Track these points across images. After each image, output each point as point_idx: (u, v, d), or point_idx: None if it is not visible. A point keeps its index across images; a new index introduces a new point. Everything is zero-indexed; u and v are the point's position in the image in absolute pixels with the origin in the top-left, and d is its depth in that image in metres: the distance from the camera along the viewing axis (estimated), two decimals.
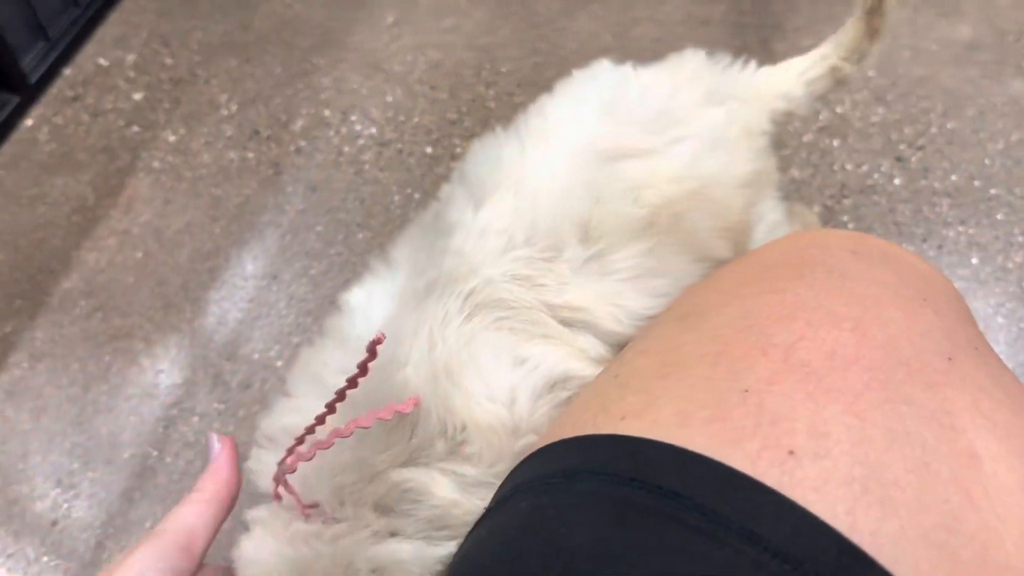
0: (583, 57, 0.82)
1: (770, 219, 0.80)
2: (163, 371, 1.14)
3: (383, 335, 0.63)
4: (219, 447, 0.62)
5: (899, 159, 1.24)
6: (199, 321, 1.18)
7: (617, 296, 0.69)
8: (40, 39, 1.45)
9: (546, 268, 0.66)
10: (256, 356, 1.13)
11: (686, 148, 0.71)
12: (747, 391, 0.54)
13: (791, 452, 0.51)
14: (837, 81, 0.88)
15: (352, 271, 1.19)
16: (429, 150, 1.33)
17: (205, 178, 1.33)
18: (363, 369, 0.61)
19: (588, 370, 0.68)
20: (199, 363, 1.13)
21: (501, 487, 0.62)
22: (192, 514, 0.57)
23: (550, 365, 0.65)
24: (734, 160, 0.75)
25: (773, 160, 0.81)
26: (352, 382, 0.62)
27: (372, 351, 0.63)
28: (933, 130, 1.27)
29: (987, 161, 1.23)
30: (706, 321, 0.63)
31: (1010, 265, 1.12)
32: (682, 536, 0.48)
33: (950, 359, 0.58)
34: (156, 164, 1.36)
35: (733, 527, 0.48)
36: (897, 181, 1.22)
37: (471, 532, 0.60)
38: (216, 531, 0.59)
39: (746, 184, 0.75)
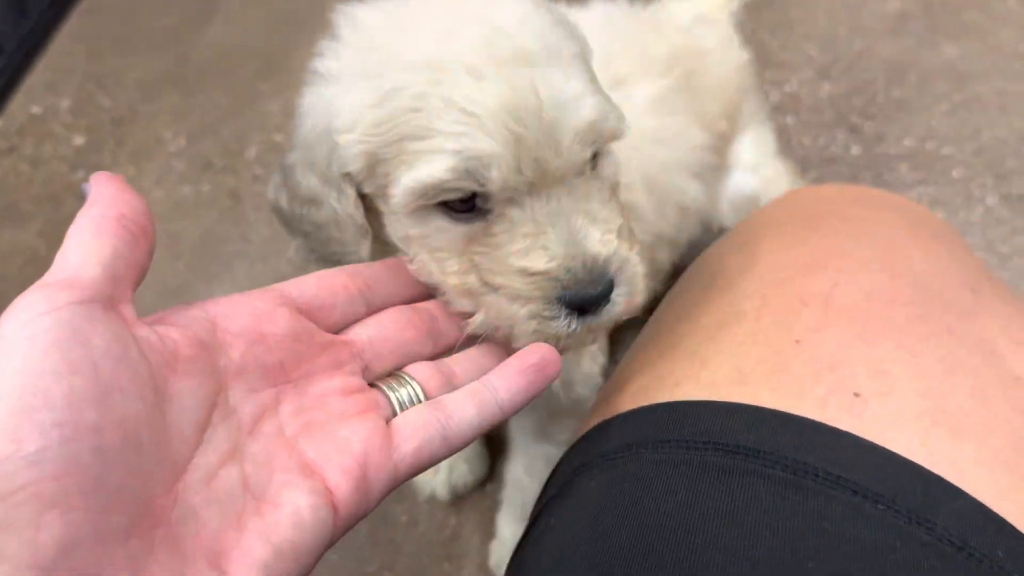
0: None
1: (756, 133, 0.89)
2: None
3: None
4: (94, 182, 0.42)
5: (852, 129, 1.28)
6: None
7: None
8: None
9: None
10: None
11: (686, 14, 0.91)
12: (799, 341, 0.54)
13: (856, 394, 0.51)
14: None
15: None
16: None
17: (161, 216, 1.28)
18: None
19: None
20: None
21: (556, 474, 0.60)
22: (72, 246, 0.38)
23: None
24: (726, 43, 0.95)
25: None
26: None
27: None
28: (880, 99, 1.31)
29: (935, 123, 1.27)
30: (736, 281, 0.63)
31: (973, 219, 1.16)
32: (770, 491, 0.47)
33: (974, 291, 0.59)
34: None
35: (820, 475, 0.47)
36: (854, 150, 1.25)
37: (534, 523, 0.58)
38: (130, 262, 0.39)
39: (740, 68, 0.94)
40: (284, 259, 1.21)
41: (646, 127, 0.79)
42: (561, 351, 0.50)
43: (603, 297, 0.50)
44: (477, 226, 0.50)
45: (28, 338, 0.34)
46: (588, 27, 0.63)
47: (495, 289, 0.50)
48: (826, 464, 0.48)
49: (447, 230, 0.51)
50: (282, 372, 0.44)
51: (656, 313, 0.70)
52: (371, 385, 0.48)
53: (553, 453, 0.84)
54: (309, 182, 0.54)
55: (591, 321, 0.50)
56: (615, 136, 0.52)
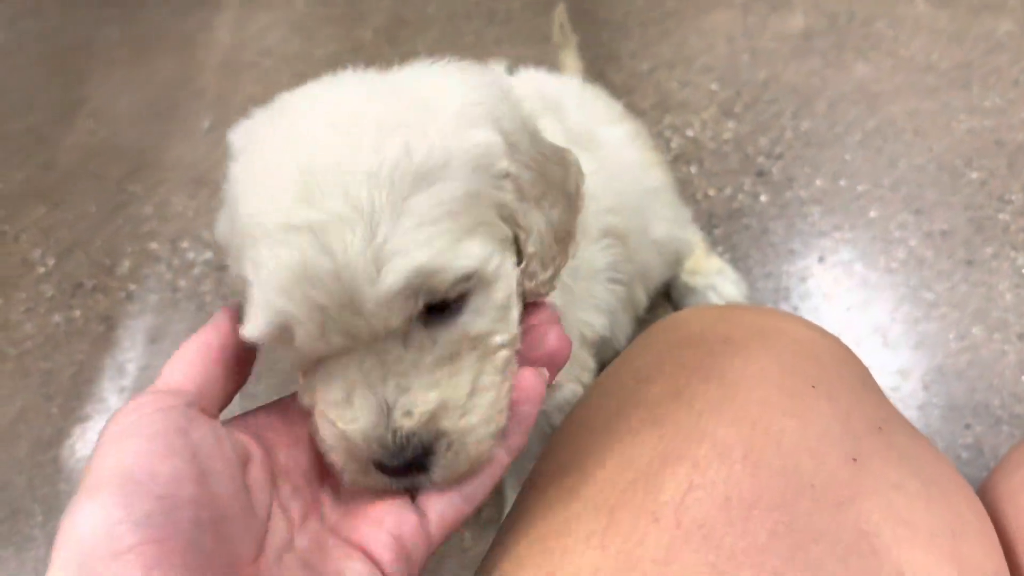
0: None
1: None
2: None
3: None
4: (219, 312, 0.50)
5: (760, 173, 1.19)
6: (53, 524, 1.04)
7: None
8: None
9: None
10: None
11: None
12: None
13: None
14: None
15: None
16: None
17: (31, 352, 1.19)
18: None
19: None
20: None
21: None
22: (178, 363, 0.46)
23: None
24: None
25: None
26: None
27: None
28: (788, 135, 1.22)
29: (848, 156, 1.18)
30: (587, 481, 0.56)
31: (894, 264, 1.08)
32: None
33: (855, 459, 0.52)
34: None
35: None
36: (763, 198, 1.16)
37: None
38: (223, 389, 0.47)
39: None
40: None
41: (631, 158, 0.88)
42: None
43: (408, 466, 0.47)
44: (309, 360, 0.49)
45: (139, 429, 0.40)
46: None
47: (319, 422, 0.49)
48: None
49: (291, 352, 0.50)
50: (316, 470, 0.50)
51: (516, 506, 0.62)
52: None
53: None
54: None
55: (415, 482, 0.48)
56: (452, 282, 0.46)
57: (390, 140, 0.47)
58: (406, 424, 0.46)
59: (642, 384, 0.61)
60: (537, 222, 0.54)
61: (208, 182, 1.33)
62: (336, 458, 0.48)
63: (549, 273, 0.55)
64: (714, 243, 1.12)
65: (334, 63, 0.54)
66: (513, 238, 0.53)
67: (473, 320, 0.49)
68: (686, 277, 1.08)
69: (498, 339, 0.50)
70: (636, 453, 0.55)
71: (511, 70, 0.94)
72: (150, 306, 1.21)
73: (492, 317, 0.50)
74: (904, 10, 1.34)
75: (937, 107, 1.21)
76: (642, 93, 1.29)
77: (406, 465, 0.47)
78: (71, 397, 1.13)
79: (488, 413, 0.49)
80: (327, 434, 0.48)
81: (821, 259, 1.10)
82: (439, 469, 0.47)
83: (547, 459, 0.63)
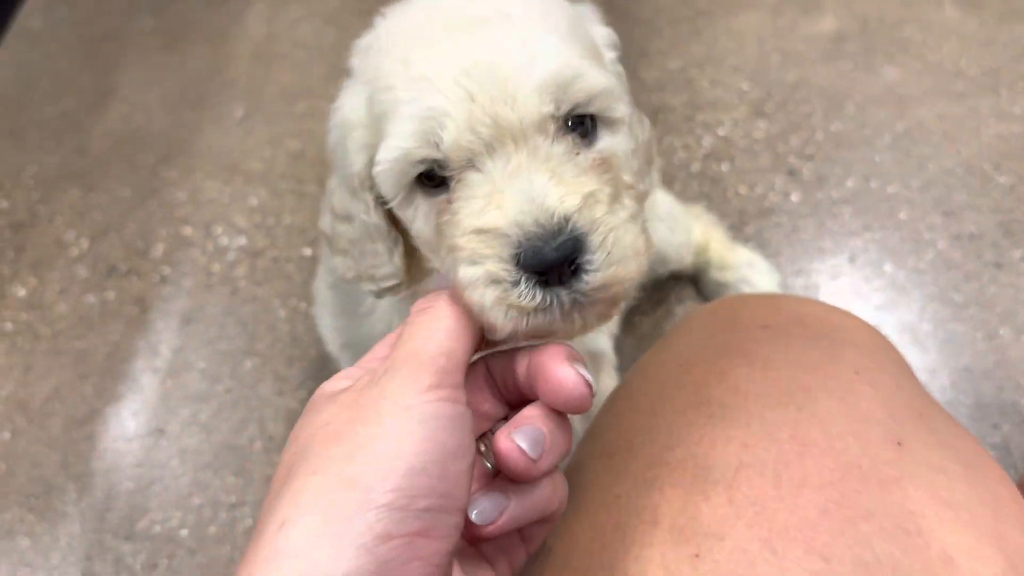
0: None
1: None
2: (56, 567, 1.01)
3: None
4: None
5: (791, 173, 1.20)
6: (86, 500, 1.05)
7: None
8: None
9: None
10: (157, 529, 1.01)
11: None
12: (698, 555, 0.48)
13: None
14: None
15: (247, 407, 1.08)
16: (308, 251, 1.23)
17: (65, 332, 1.20)
18: None
19: None
20: (95, 550, 1.01)
21: None
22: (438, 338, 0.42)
23: None
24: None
25: None
26: None
27: None
28: (819, 135, 1.23)
29: (878, 158, 1.19)
30: (636, 458, 0.57)
31: (923, 265, 1.09)
32: None
33: (899, 443, 0.53)
34: (9, 326, 1.22)
35: None
36: (794, 197, 1.17)
37: None
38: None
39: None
40: (195, 372, 1.13)
41: None
42: (543, 337, 0.45)
43: (564, 260, 0.43)
44: (443, 197, 0.49)
45: (429, 418, 0.39)
46: None
47: (458, 256, 0.46)
48: None
49: (422, 207, 0.51)
50: None
51: (569, 469, 0.64)
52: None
53: None
54: (342, 198, 0.57)
55: (564, 294, 0.44)
56: (594, 94, 0.49)
57: None
58: (561, 207, 0.44)
59: (685, 368, 0.62)
60: (633, 123, 0.57)
61: (241, 170, 1.34)
62: (473, 294, 0.44)
63: (640, 188, 0.57)
64: (745, 240, 1.13)
65: None
66: None
67: (607, 148, 0.50)
68: (715, 273, 1.09)
69: (628, 177, 0.51)
70: (684, 433, 0.56)
71: None
72: (184, 290, 1.22)
73: (620, 159, 0.51)
74: (933, 15, 1.35)
75: (965, 111, 1.22)
76: (673, 90, 1.31)
77: (561, 260, 0.43)
78: (105, 377, 1.15)
79: (628, 224, 0.47)
80: (468, 244, 0.45)
81: (852, 258, 1.11)
82: (596, 260, 0.44)
83: (592, 440, 0.64)
